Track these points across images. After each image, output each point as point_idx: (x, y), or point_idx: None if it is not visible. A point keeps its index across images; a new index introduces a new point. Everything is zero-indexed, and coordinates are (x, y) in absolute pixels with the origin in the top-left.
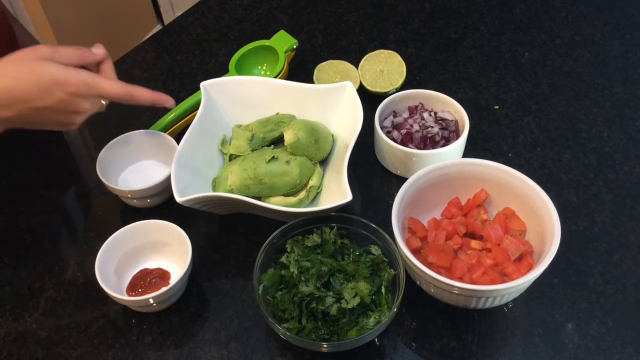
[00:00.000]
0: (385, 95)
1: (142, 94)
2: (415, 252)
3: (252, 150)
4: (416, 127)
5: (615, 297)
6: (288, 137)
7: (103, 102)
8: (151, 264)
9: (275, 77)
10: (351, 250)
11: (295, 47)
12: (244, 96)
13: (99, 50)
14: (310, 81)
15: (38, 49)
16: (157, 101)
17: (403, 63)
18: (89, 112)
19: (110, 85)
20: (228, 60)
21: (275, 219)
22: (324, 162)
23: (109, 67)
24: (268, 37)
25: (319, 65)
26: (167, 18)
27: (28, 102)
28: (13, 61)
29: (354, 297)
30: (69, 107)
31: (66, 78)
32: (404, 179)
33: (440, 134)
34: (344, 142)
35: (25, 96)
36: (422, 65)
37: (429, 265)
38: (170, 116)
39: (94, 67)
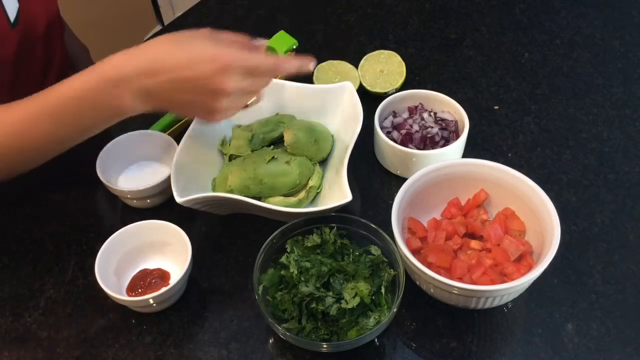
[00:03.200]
0: (385, 95)
1: (290, 66)
2: (415, 252)
3: (252, 151)
4: (416, 127)
5: (615, 297)
6: (288, 138)
7: (256, 97)
8: (151, 264)
9: (275, 77)
10: (351, 250)
11: (295, 47)
12: None
13: (260, 42)
14: (310, 81)
15: (200, 30)
16: (303, 66)
17: (403, 63)
18: (234, 101)
19: (264, 58)
20: None
21: (275, 219)
22: (323, 162)
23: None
24: (268, 38)
25: (318, 66)
26: (167, 18)
27: (173, 72)
28: (172, 36)
29: (354, 297)
30: (212, 84)
31: (218, 53)
32: (404, 179)
33: (440, 134)
34: (343, 142)
35: (173, 64)
36: (422, 65)
37: (428, 265)
38: (170, 116)
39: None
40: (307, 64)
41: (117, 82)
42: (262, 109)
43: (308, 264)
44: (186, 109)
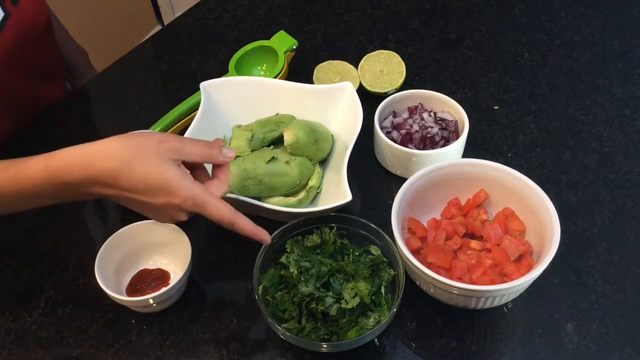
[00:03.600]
0: (384, 95)
1: (245, 226)
2: (415, 252)
3: (252, 151)
4: (416, 127)
5: (615, 297)
6: (288, 138)
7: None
8: (151, 264)
9: (275, 77)
10: (351, 250)
11: (295, 47)
12: (243, 96)
13: (230, 153)
14: (310, 81)
15: (166, 140)
16: (256, 236)
17: (403, 63)
18: (191, 214)
19: (217, 210)
20: (228, 61)
21: (275, 219)
22: (323, 162)
23: (225, 171)
24: (268, 38)
25: (318, 66)
26: (167, 18)
27: (130, 192)
28: (135, 147)
29: (354, 297)
30: (167, 212)
31: (177, 190)
32: (404, 179)
33: (439, 134)
34: (343, 142)
35: (130, 186)
36: (422, 65)
37: (428, 265)
38: (170, 117)
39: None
40: (262, 238)
41: (70, 186)
42: (262, 109)
43: (308, 264)
44: (139, 211)
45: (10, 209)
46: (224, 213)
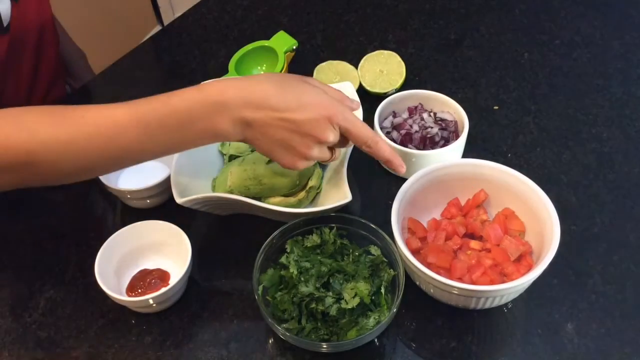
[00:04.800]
0: (384, 95)
1: (384, 148)
2: (415, 252)
3: (252, 151)
4: (416, 127)
5: (614, 297)
6: None
7: (336, 154)
8: (151, 264)
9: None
10: (351, 250)
11: (295, 47)
12: None
13: (354, 104)
14: None
15: (304, 77)
16: (393, 162)
17: (403, 63)
18: (322, 154)
19: (364, 127)
20: (228, 61)
21: (275, 219)
22: None
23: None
24: (268, 38)
25: (318, 66)
26: (167, 18)
27: (280, 112)
28: (276, 76)
29: (354, 297)
30: (314, 131)
31: (331, 103)
32: (404, 179)
33: (439, 134)
34: None
35: (280, 104)
36: (422, 65)
37: (428, 265)
38: None
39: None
40: (399, 166)
41: (221, 106)
42: None
43: (308, 264)
44: (276, 147)
45: (153, 145)
46: (369, 132)
